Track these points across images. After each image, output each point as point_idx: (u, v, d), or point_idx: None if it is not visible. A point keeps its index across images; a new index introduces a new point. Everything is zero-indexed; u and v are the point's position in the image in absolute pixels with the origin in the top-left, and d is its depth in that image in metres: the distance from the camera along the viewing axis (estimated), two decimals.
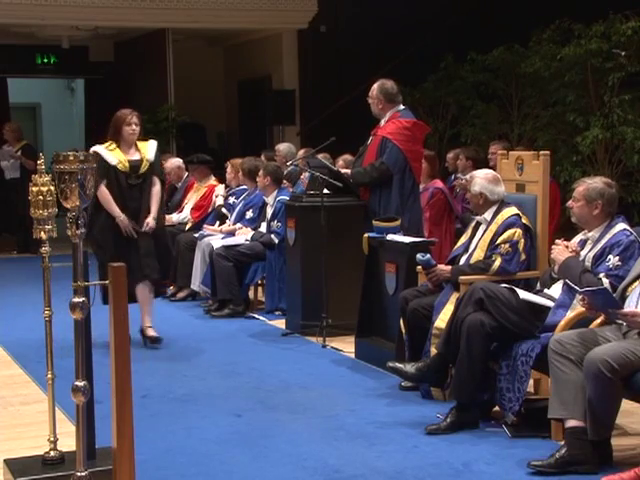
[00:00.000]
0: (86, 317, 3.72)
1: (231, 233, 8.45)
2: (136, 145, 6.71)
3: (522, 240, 5.35)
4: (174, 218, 9.45)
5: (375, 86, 7.03)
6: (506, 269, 5.31)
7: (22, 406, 5.46)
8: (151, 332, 6.79)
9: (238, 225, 8.46)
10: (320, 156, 8.02)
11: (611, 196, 4.80)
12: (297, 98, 13.70)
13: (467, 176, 8.32)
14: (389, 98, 7.00)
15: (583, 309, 4.46)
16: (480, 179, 5.53)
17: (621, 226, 4.77)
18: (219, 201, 9.23)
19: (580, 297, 4.45)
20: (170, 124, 13.35)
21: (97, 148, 6.59)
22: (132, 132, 6.61)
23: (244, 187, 8.82)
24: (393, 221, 6.32)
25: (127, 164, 6.60)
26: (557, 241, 4.88)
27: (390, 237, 6.19)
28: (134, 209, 6.66)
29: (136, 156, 6.66)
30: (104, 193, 6.54)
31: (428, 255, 5.61)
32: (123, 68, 14.65)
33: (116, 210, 6.56)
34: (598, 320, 4.47)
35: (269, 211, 8.20)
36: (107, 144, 6.64)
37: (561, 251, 4.78)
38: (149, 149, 6.75)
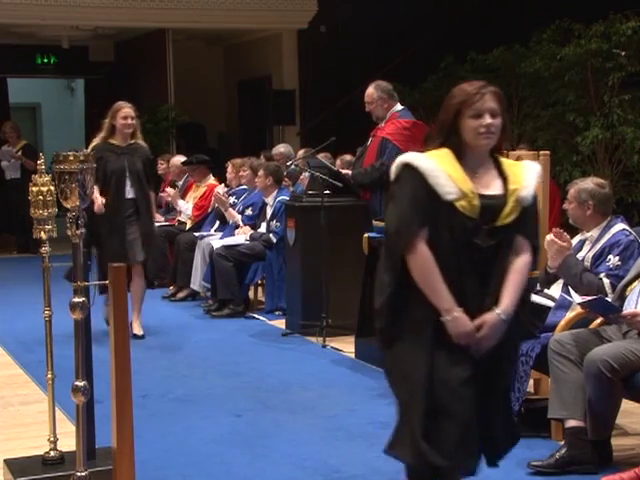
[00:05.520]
0: (86, 317, 3.72)
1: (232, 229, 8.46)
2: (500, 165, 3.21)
3: None
4: (180, 203, 9.48)
5: (372, 90, 6.98)
6: None
7: (22, 406, 5.46)
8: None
9: (241, 223, 8.43)
10: (321, 156, 8.01)
11: (603, 196, 4.77)
12: (297, 98, 13.69)
13: None
14: (390, 94, 7.01)
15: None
16: None
17: (620, 226, 4.77)
18: None
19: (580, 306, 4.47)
20: (170, 124, 13.35)
21: (413, 158, 3.09)
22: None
23: (244, 187, 8.82)
24: None
25: (477, 202, 3.08)
26: (548, 237, 4.83)
27: None
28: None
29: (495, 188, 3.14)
30: (426, 258, 3.03)
31: None
32: (123, 68, 14.65)
33: (448, 301, 3.04)
34: (598, 320, 4.48)
35: (269, 211, 8.20)
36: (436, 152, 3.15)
37: (559, 250, 4.75)
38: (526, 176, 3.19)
